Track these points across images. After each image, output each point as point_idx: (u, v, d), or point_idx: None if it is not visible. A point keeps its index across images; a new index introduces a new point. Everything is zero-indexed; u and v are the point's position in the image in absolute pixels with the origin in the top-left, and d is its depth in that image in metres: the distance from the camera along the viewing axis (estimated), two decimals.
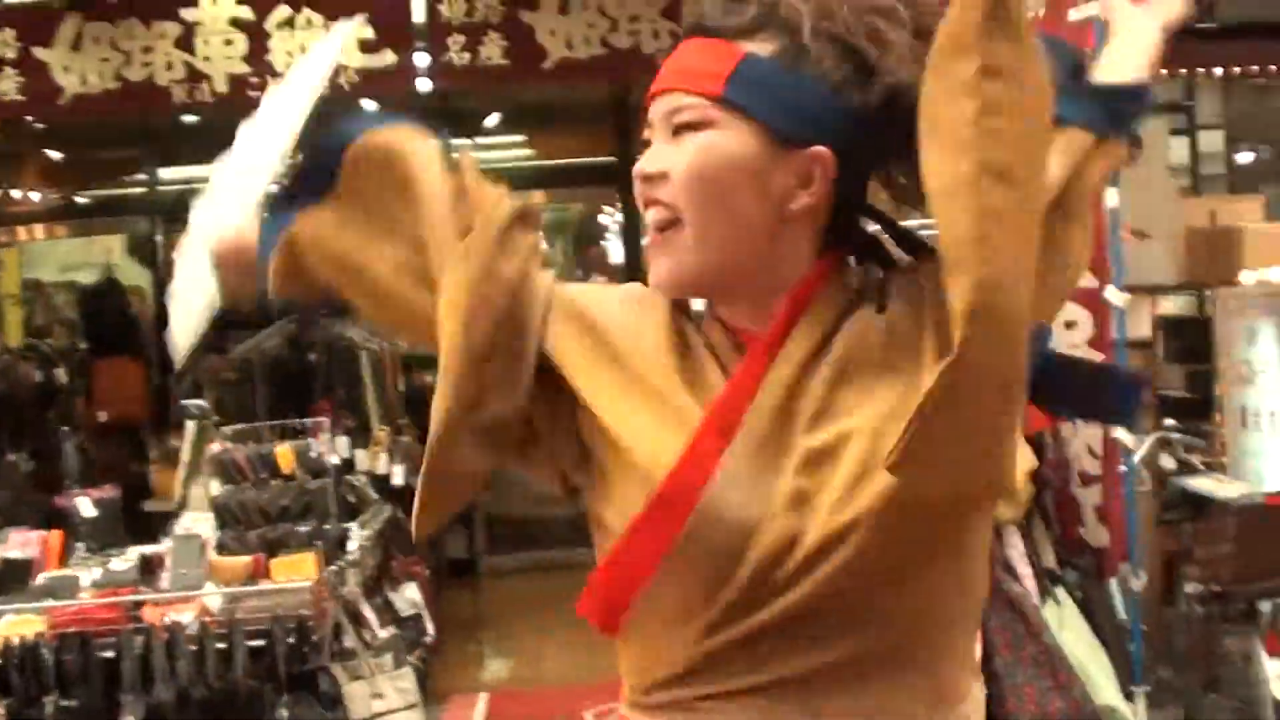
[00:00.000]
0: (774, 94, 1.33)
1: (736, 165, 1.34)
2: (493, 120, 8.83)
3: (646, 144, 1.41)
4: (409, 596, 5.42)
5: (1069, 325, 4.39)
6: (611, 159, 8.14)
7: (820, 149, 1.33)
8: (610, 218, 11.36)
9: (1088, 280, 4.35)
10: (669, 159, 1.36)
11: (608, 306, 1.44)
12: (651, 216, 1.38)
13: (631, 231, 8.43)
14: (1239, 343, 4.86)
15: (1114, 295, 4.27)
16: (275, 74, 6.68)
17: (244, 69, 7.01)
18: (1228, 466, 4.81)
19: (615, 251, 11.10)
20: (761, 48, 1.34)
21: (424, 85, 6.87)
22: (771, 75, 1.33)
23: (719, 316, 1.42)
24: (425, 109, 7.08)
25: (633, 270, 8.23)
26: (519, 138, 9.11)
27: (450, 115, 7.46)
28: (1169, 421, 4.42)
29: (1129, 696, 4.10)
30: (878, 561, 1.27)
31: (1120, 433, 4.29)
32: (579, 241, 11.40)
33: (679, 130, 1.36)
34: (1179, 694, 4.38)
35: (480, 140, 8.51)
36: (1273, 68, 6.61)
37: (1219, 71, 6.38)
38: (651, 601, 1.34)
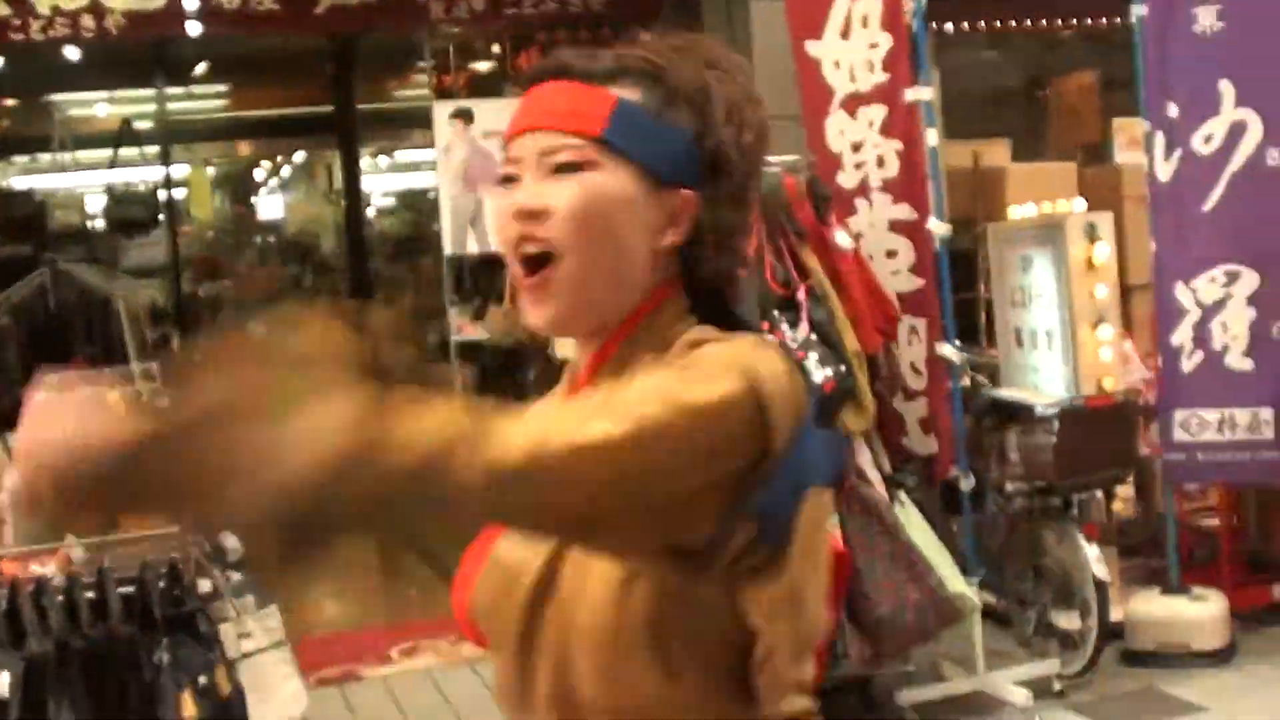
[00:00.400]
0: (646, 137, 1.38)
1: (620, 203, 1.37)
2: (202, 68, 8.47)
3: (507, 179, 1.42)
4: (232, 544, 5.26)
5: (890, 254, 4.86)
6: (330, 109, 8.01)
7: (687, 191, 1.38)
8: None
9: (907, 213, 4.83)
10: (550, 196, 1.37)
11: None
12: (524, 251, 1.39)
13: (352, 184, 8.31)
14: (1014, 271, 5.49)
15: (935, 225, 4.77)
16: (36, 15, 6.22)
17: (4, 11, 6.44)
18: (1002, 381, 5.45)
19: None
20: (627, 93, 1.39)
21: (194, 29, 6.51)
22: (642, 119, 1.38)
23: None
24: (135, 58, 6.79)
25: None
26: (226, 87, 8.80)
27: (162, 62, 7.14)
28: (956, 343, 4.94)
29: None
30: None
31: (946, 350, 4.81)
32: None
33: (560, 169, 1.38)
34: (1005, 581, 4.96)
35: (193, 89, 8.16)
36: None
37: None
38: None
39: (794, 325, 4.39)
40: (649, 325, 1.39)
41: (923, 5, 4.73)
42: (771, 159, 4.45)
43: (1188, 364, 5.01)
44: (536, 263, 1.37)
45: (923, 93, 4.72)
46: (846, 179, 4.89)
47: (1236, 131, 4.88)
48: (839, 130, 4.91)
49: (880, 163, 4.81)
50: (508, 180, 1.40)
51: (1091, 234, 5.36)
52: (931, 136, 4.74)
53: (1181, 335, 5.02)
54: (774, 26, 5.57)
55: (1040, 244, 5.45)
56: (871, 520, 4.52)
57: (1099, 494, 4.89)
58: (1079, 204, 5.59)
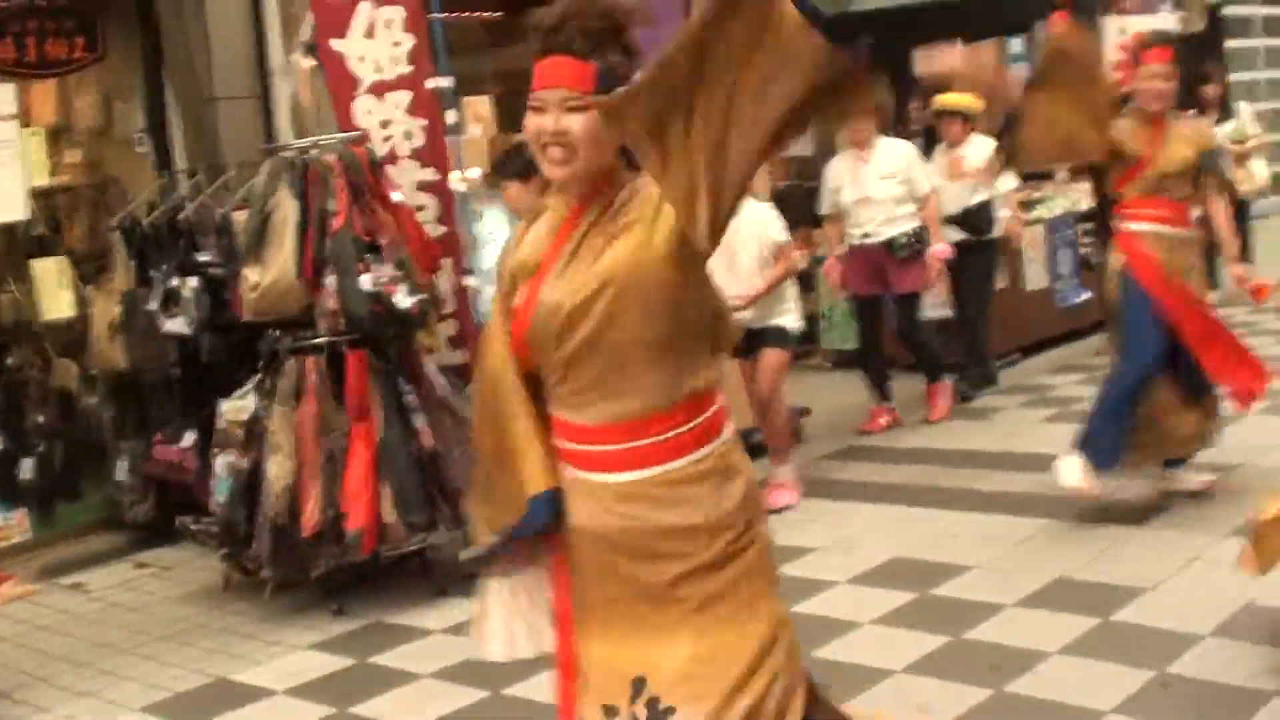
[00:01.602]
0: (612, 88, 2.52)
1: (600, 131, 2.56)
2: None
3: (537, 110, 2.59)
4: None
5: (419, 208, 6.22)
6: None
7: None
8: None
9: (432, 175, 6.23)
10: (567, 124, 2.56)
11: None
12: (556, 153, 2.59)
13: None
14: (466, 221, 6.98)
15: (455, 183, 6.21)
16: None
17: None
18: None
19: None
20: (598, 60, 2.55)
21: None
22: (608, 75, 2.55)
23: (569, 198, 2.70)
24: None
25: None
26: None
27: None
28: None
29: None
30: (608, 317, 2.60)
31: (470, 281, 6.27)
32: None
33: (571, 109, 2.55)
34: None
35: None
36: None
37: None
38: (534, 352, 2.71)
39: (380, 265, 5.67)
40: (611, 179, 2.67)
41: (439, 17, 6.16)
42: (338, 135, 5.72)
43: None
44: (562, 158, 2.59)
45: (442, 81, 6.14)
46: (376, 150, 6.17)
47: None
48: (367, 110, 6.19)
49: (408, 136, 6.17)
50: (538, 111, 2.59)
51: None
52: (450, 115, 6.18)
53: None
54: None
55: (490, 200, 7.05)
56: (445, 414, 5.90)
57: None
58: None
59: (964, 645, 4.77)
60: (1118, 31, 11.22)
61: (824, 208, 8.11)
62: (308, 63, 6.96)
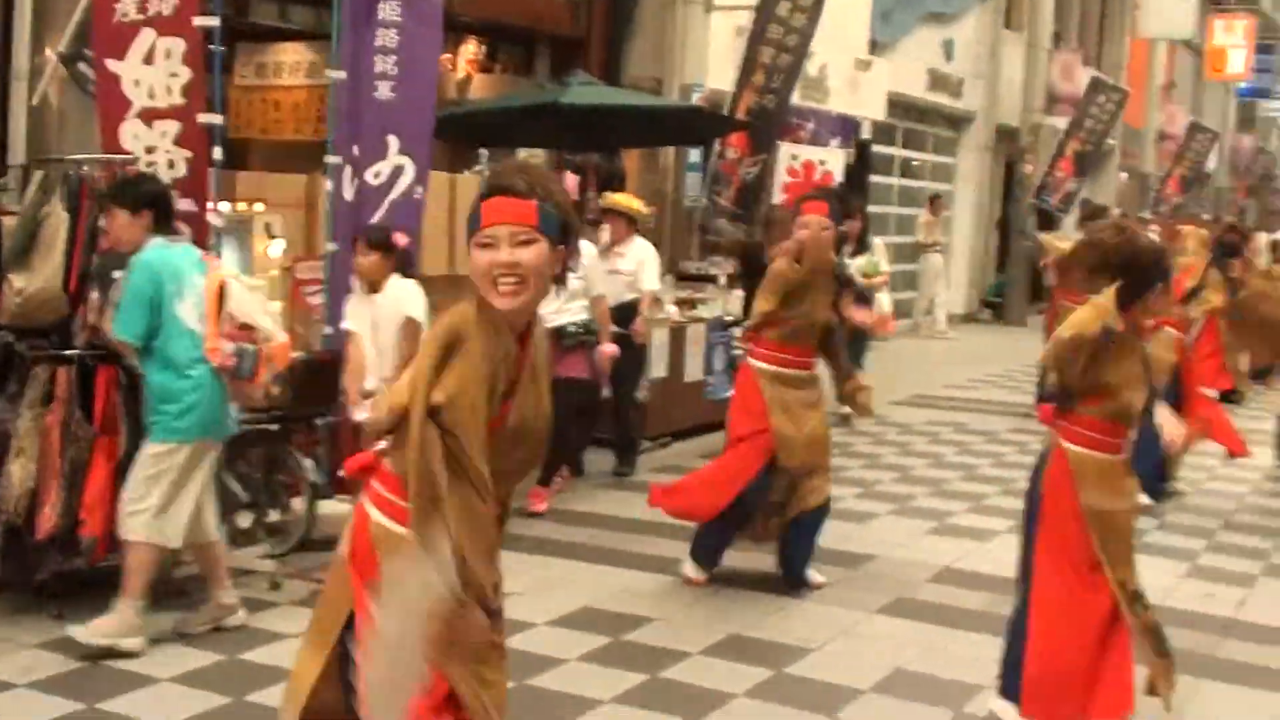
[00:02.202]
0: (551, 225, 3.00)
1: (546, 258, 3.01)
2: None
3: (487, 245, 2.97)
4: None
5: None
6: None
7: (562, 248, 3.06)
8: None
9: (190, 205, 6.58)
10: (519, 255, 2.96)
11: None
12: (508, 283, 2.96)
13: None
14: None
15: (214, 217, 6.58)
16: None
17: None
18: None
19: None
20: (538, 201, 2.98)
21: None
22: (549, 216, 3.00)
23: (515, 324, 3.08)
24: None
25: None
26: None
27: None
28: None
29: None
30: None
31: None
32: None
33: (521, 243, 2.96)
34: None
35: None
36: None
37: None
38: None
39: None
40: (536, 319, 3.17)
41: (221, 50, 6.53)
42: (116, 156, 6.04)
43: None
44: (513, 288, 2.98)
45: (214, 118, 6.51)
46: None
47: (397, 171, 7.32)
48: (134, 134, 6.49)
49: (171, 165, 6.50)
50: (485, 246, 2.98)
51: (269, 230, 7.46)
52: (217, 151, 6.55)
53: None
54: None
55: (228, 235, 7.42)
56: None
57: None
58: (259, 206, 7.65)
59: (661, 682, 5.52)
60: (789, 157, 12.55)
61: None
62: (61, 72, 7.16)
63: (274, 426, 6.75)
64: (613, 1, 11.65)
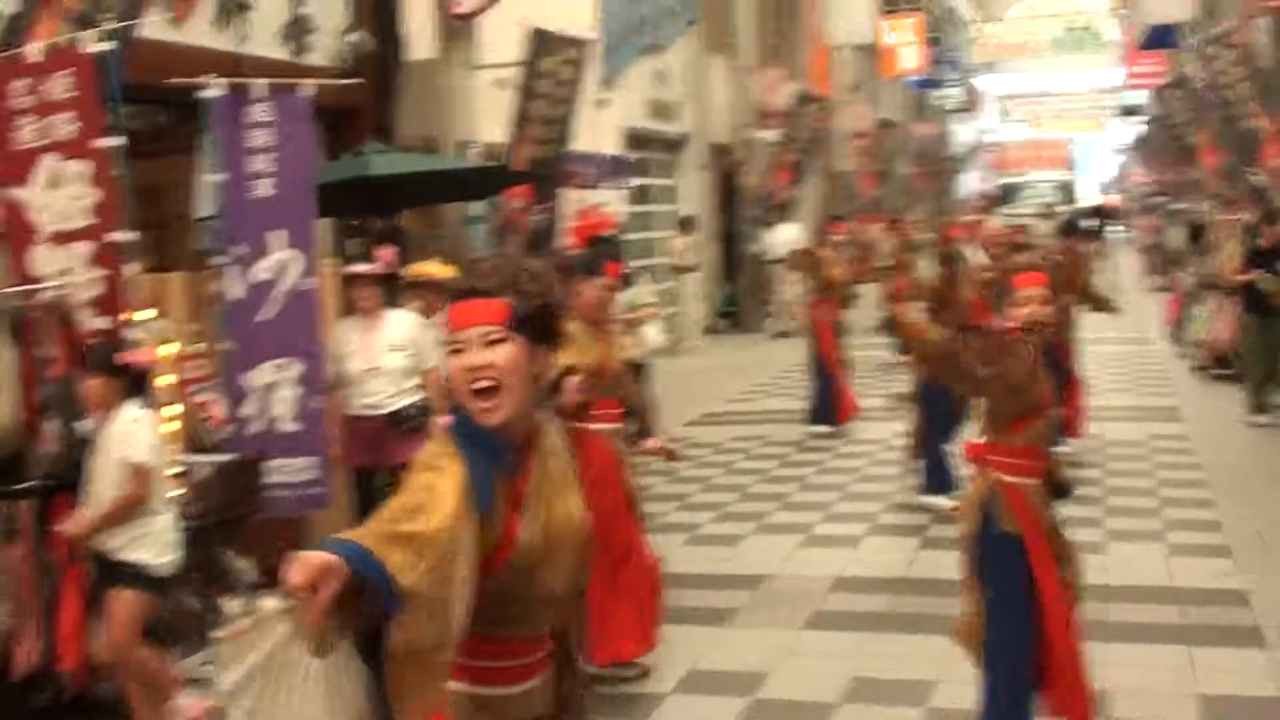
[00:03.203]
0: (524, 323, 2.85)
1: (523, 357, 2.85)
2: None
3: (457, 350, 2.83)
4: None
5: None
6: None
7: (548, 348, 2.93)
8: None
9: (108, 323, 6.86)
10: (490, 357, 2.81)
11: None
12: (480, 385, 2.80)
13: None
14: None
15: (131, 335, 6.89)
16: None
17: None
18: None
19: None
20: (509, 298, 2.83)
21: None
22: (521, 313, 2.84)
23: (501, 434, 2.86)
24: None
25: None
26: None
27: None
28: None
29: None
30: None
31: None
32: None
33: (491, 343, 2.81)
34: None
35: None
36: None
37: None
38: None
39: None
40: (541, 426, 3.01)
41: (126, 172, 6.82)
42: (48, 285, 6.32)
43: (256, 427, 7.70)
44: (488, 392, 2.83)
45: (126, 235, 6.81)
46: (45, 296, 6.70)
47: (284, 266, 7.71)
48: (46, 259, 6.73)
49: (88, 285, 6.77)
50: (456, 352, 2.85)
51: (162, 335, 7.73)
52: (132, 267, 6.85)
53: (249, 408, 7.70)
54: None
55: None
56: None
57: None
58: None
59: None
60: (576, 200, 13.29)
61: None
62: None
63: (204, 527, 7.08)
64: (378, 67, 12.10)
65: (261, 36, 10.66)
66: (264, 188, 7.67)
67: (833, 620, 7.50)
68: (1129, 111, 56.87)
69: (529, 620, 2.99)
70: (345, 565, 2.50)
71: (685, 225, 20.86)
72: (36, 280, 6.65)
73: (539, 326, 2.89)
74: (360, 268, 8.42)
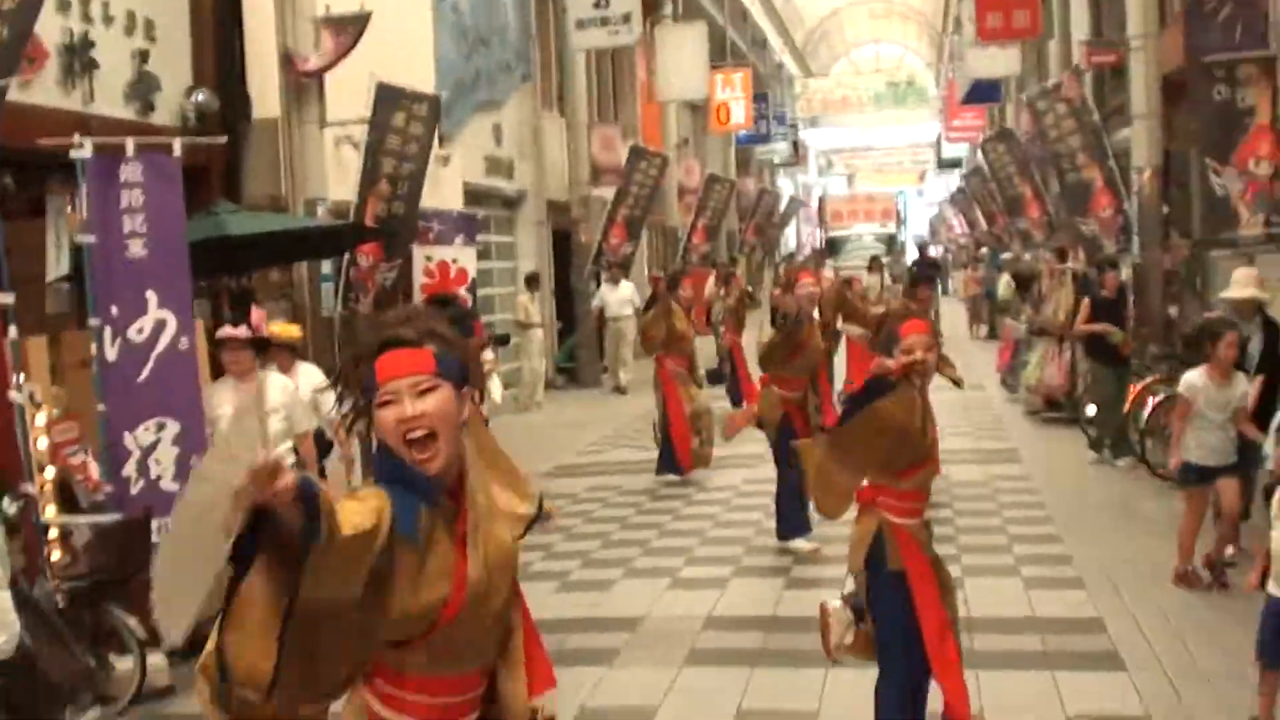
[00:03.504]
0: (450, 368, 2.99)
1: (453, 403, 2.98)
2: None
3: (387, 403, 2.93)
4: None
5: None
6: None
7: (466, 389, 3.05)
8: None
9: None
10: (423, 406, 2.93)
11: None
12: (416, 435, 2.91)
13: None
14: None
15: (15, 395, 6.94)
16: None
17: None
18: None
19: None
20: (433, 347, 2.97)
21: None
22: (446, 359, 2.99)
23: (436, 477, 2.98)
24: None
25: None
26: None
27: None
28: None
29: None
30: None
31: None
32: None
33: (422, 392, 2.93)
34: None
35: None
36: None
37: None
38: None
39: None
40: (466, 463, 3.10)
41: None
42: None
43: (136, 488, 7.76)
44: (425, 442, 2.95)
45: (5, 298, 6.88)
46: None
47: (159, 326, 7.82)
48: None
49: None
50: (387, 404, 2.94)
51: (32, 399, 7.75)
52: (12, 330, 6.91)
53: (129, 469, 7.76)
54: None
55: None
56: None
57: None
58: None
59: None
60: (424, 258, 13.50)
61: None
62: None
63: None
64: (224, 126, 12.21)
65: (107, 96, 10.72)
66: (136, 248, 7.77)
67: (711, 657, 7.81)
68: (948, 164, 59.16)
69: (480, 651, 3.16)
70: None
71: (530, 282, 21.14)
72: None
73: (461, 371, 3.04)
74: (230, 331, 8.42)
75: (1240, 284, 8.53)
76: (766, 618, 8.59)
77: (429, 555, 2.96)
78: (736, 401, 16.52)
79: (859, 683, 6.20)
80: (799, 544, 10.11)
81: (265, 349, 8.70)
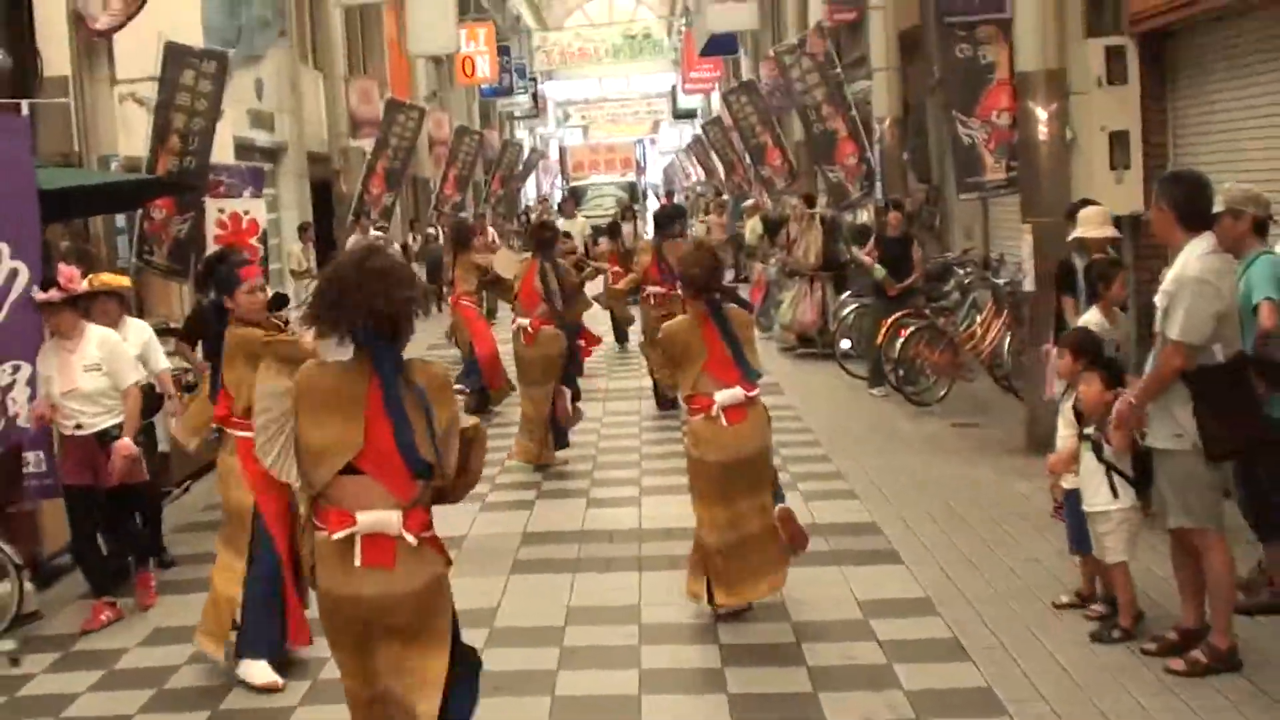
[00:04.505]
0: None
1: None
2: None
3: None
4: None
5: None
6: None
7: None
8: None
9: None
10: None
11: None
12: None
13: None
14: None
15: None
16: None
17: None
18: None
19: None
20: None
21: None
22: None
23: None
24: None
25: None
26: None
27: None
28: None
29: None
30: None
31: None
32: None
33: None
34: None
35: None
36: None
37: None
38: None
39: None
40: None
41: None
42: None
43: None
44: None
45: None
46: None
47: (12, 275, 8.30)
48: None
49: None
50: None
51: None
52: None
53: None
54: None
55: None
56: None
57: None
58: None
59: None
60: (216, 211, 13.97)
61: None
62: None
63: None
64: (16, 87, 12.47)
65: None
66: None
67: (532, 567, 8.76)
68: (683, 115, 60.84)
69: None
70: None
71: (303, 232, 21.60)
72: None
73: None
74: (42, 295, 8.15)
75: (1095, 222, 9.03)
76: (573, 531, 9.61)
77: None
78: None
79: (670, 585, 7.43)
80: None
81: (85, 302, 8.43)
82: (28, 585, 7.92)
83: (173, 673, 7.26)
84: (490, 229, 26.10)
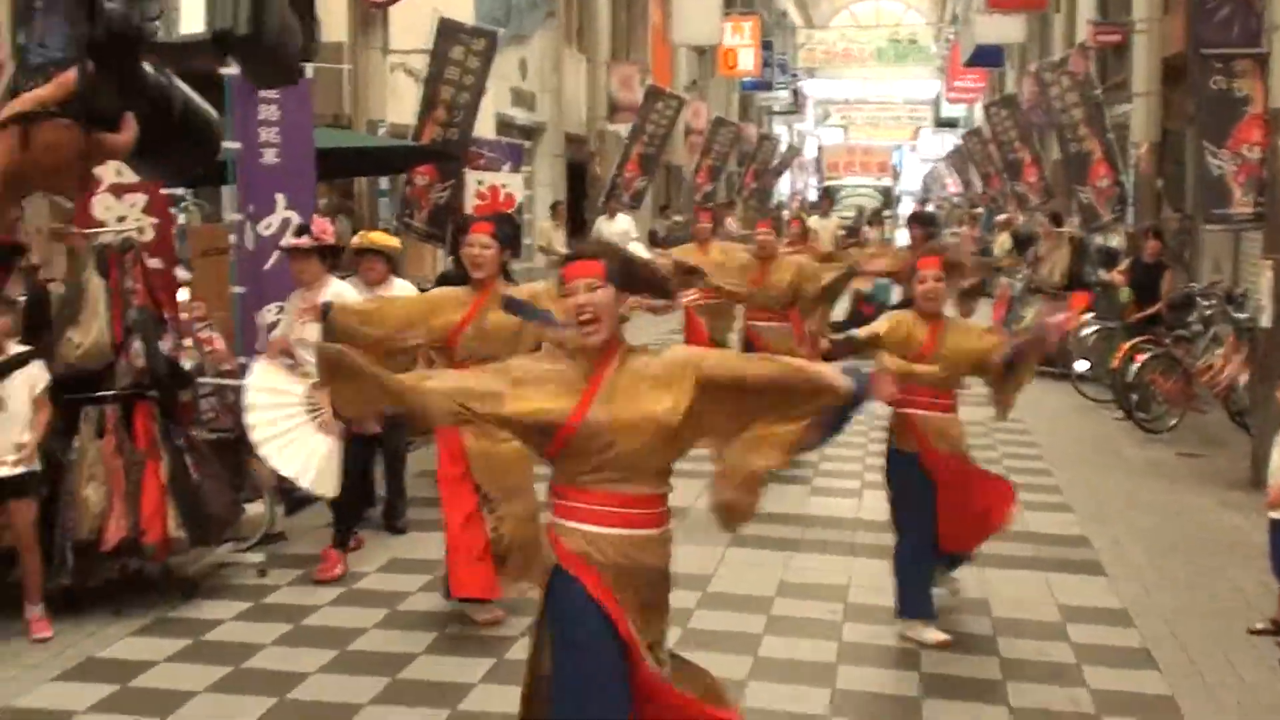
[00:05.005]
0: (613, 275, 4.38)
1: (614, 300, 4.39)
2: None
3: (570, 293, 4.36)
4: None
5: None
6: None
7: (624, 293, 4.48)
8: None
9: (159, 264, 8.26)
10: (593, 299, 4.30)
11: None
12: (585, 317, 4.30)
13: None
14: None
15: (180, 273, 8.29)
16: None
17: None
18: None
19: None
20: (604, 261, 4.41)
21: None
22: (612, 268, 4.39)
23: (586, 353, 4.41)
24: None
25: None
26: None
27: None
28: None
29: None
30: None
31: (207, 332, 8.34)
32: None
33: (592, 289, 4.31)
34: None
35: None
36: None
37: None
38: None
39: (168, 335, 7.71)
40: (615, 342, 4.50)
41: None
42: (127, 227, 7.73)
43: None
44: (590, 322, 4.36)
45: (176, 189, 8.21)
46: (106, 239, 8.06)
47: (285, 224, 9.15)
48: (105, 206, 8.08)
49: (141, 231, 8.14)
50: (569, 294, 4.40)
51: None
52: (182, 216, 8.24)
53: (260, 345, 9.09)
54: None
55: None
56: (197, 453, 7.93)
57: None
58: None
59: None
60: (475, 182, 14.81)
61: None
62: None
63: None
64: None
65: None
66: (270, 156, 9.09)
67: (750, 542, 9.19)
68: (945, 124, 60.49)
69: (613, 479, 4.35)
70: None
71: (555, 210, 22.43)
72: (99, 225, 7.99)
73: (622, 279, 4.44)
74: (294, 240, 8.65)
75: None
76: (796, 515, 10.07)
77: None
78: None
79: (880, 571, 7.77)
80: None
81: (333, 256, 8.72)
82: (278, 508, 8.71)
83: (404, 598, 7.98)
84: (730, 220, 26.52)
